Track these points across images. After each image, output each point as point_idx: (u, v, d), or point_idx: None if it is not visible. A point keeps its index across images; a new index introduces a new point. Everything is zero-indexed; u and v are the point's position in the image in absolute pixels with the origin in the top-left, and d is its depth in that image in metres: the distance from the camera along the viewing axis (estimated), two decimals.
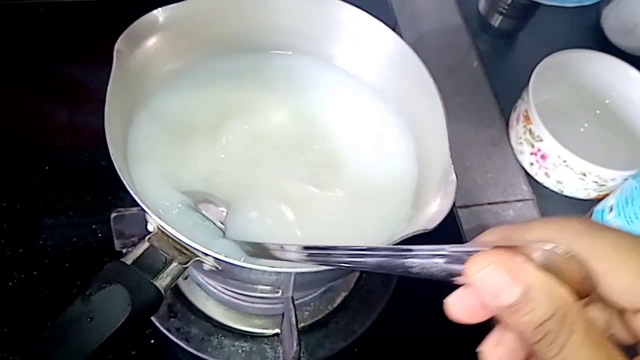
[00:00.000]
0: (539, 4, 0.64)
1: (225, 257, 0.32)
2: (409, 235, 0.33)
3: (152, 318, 0.47)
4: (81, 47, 0.61)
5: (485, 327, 0.51)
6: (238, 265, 0.32)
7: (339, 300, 0.51)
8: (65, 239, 0.50)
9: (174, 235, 0.32)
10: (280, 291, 0.42)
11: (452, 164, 0.36)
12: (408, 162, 0.42)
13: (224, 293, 0.48)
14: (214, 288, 0.48)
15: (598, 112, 0.64)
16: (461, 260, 0.20)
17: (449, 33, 0.74)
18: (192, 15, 0.41)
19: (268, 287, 0.42)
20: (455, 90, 0.68)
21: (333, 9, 0.43)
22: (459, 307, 0.21)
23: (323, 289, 0.50)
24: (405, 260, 0.23)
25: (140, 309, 0.32)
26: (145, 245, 0.34)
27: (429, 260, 0.22)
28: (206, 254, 0.32)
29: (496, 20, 0.72)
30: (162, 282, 0.33)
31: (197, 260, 0.34)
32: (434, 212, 0.35)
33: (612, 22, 0.73)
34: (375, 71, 0.45)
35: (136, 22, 0.38)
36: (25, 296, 0.47)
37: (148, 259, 0.34)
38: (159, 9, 0.39)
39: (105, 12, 0.65)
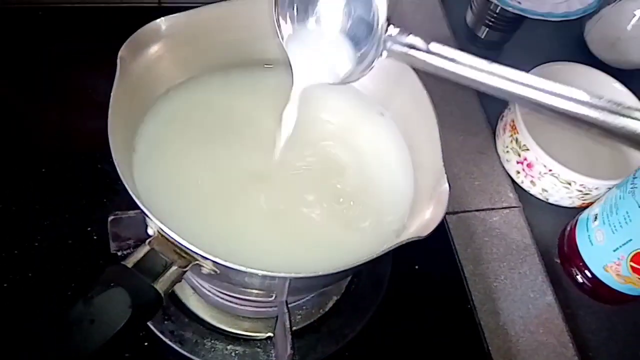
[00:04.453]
0: (525, 17, 0.66)
1: (224, 260, 0.33)
2: (403, 243, 0.34)
3: None
4: (81, 52, 0.61)
5: (475, 334, 0.52)
6: (236, 269, 0.33)
7: (330, 304, 0.51)
8: (60, 241, 0.50)
9: (175, 239, 0.33)
10: (274, 295, 0.43)
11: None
12: (404, 169, 0.43)
13: (217, 296, 0.48)
14: (208, 291, 0.49)
15: None
16: None
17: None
18: (194, 24, 0.42)
19: (262, 292, 0.43)
20: (443, 99, 0.69)
21: None
22: None
23: (315, 293, 0.51)
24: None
25: (141, 311, 0.33)
26: (145, 248, 0.35)
27: None
28: (205, 258, 0.33)
29: (483, 32, 0.75)
30: (162, 285, 0.34)
31: (197, 264, 0.35)
32: (427, 219, 0.36)
33: (595, 36, 0.75)
34: (368, 80, 0.46)
35: (139, 30, 0.39)
36: (19, 298, 0.47)
37: (148, 263, 0.34)
38: (162, 17, 0.40)
39: (107, 19, 0.66)
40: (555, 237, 0.61)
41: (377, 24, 0.33)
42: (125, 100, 0.37)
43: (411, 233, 0.35)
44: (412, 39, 0.33)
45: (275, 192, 0.41)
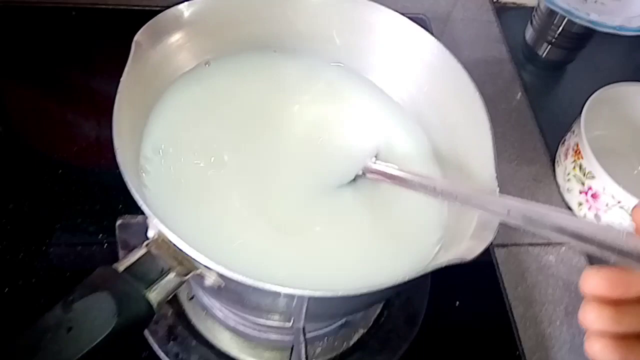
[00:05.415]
0: (593, 32, 0.60)
1: (231, 272, 0.28)
2: (444, 265, 0.29)
3: (150, 339, 0.43)
4: (112, 54, 0.60)
5: None
6: (244, 283, 0.28)
7: (356, 337, 0.46)
8: (69, 247, 0.47)
9: (175, 243, 0.29)
10: (292, 320, 0.38)
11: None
12: None
13: (230, 319, 0.44)
14: (221, 312, 0.44)
15: None
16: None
17: (491, 62, 0.70)
18: (219, 11, 0.39)
19: (278, 315, 0.38)
20: (496, 121, 0.63)
21: (366, 12, 0.41)
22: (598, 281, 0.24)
23: (339, 323, 0.45)
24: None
25: (127, 322, 0.28)
26: (141, 251, 0.30)
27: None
28: (209, 267, 0.28)
29: (544, 50, 0.69)
30: (156, 294, 0.29)
31: (198, 273, 0.30)
32: (472, 241, 0.31)
33: None
34: (411, 82, 0.42)
35: (159, 15, 0.36)
36: (18, 304, 0.44)
37: (143, 267, 0.30)
38: (185, 3, 0.37)
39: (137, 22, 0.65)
40: None
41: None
42: (135, 89, 0.34)
43: (453, 255, 0.30)
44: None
45: (295, 199, 0.36)
